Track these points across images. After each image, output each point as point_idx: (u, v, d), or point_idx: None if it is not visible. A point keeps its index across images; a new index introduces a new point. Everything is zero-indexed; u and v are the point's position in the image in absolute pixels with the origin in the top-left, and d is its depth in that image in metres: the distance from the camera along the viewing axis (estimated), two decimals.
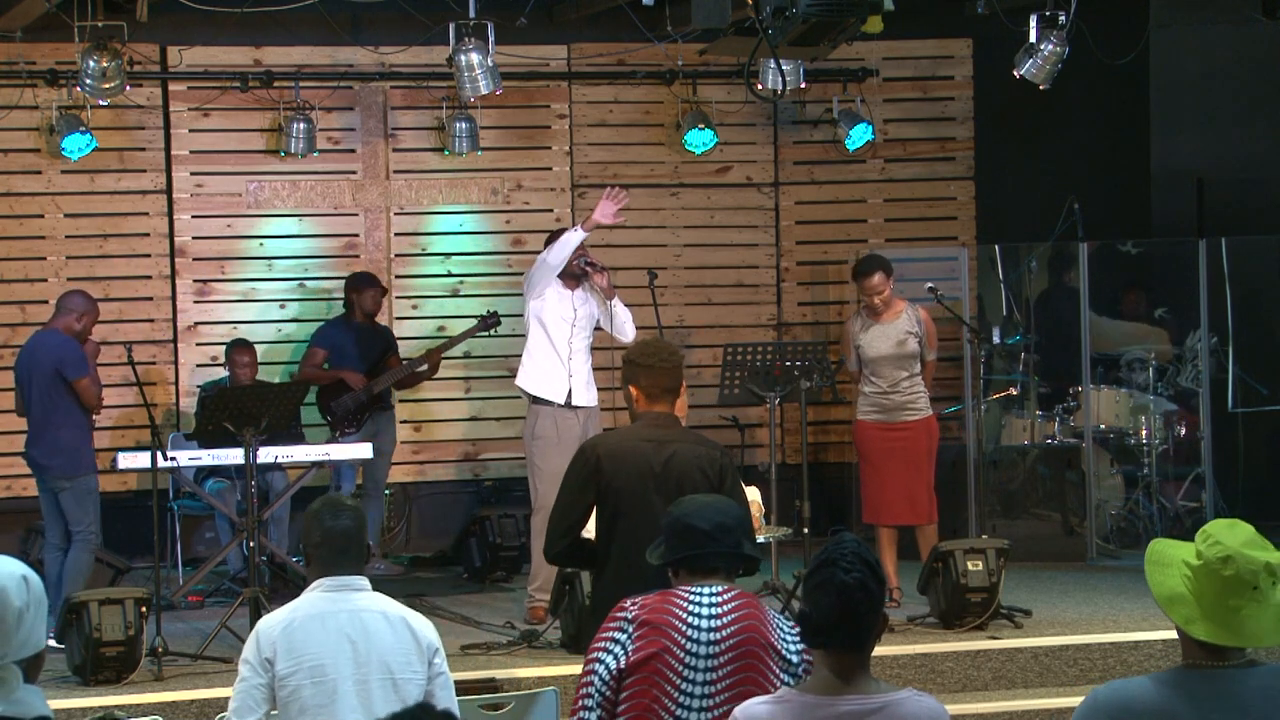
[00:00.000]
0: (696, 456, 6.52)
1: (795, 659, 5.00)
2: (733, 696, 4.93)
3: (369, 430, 11.84)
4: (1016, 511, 12.92)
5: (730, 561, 5.18)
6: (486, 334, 12.01)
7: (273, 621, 5.47)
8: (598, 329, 10.38)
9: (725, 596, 5.05)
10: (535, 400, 10.23)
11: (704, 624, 5.00)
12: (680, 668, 4.98)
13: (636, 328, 10.29)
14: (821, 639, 4.15)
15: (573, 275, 10.22)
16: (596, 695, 5.00)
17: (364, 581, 5.53)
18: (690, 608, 5.03)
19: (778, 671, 4.99)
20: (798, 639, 5.02)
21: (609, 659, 5.01)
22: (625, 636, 5.02)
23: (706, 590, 5.06)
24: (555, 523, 6.63)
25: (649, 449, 6.51)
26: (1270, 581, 3.74)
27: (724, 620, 5.01)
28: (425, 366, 12.02)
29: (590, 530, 6.69)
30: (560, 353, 10.18)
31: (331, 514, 5.53)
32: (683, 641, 4.98)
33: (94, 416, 10.33)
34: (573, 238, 10.06)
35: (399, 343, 12.18)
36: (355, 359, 11.83)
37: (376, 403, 11.94)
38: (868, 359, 10.46)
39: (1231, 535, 3.78)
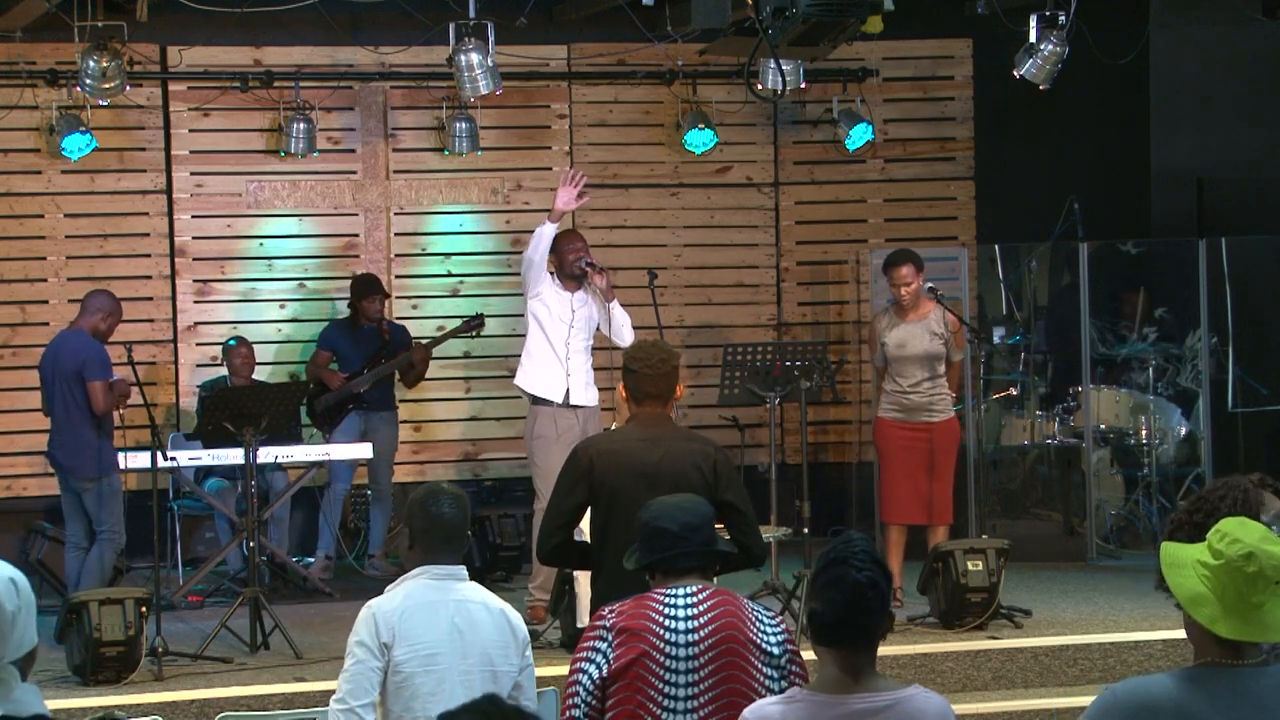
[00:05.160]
0: (690, 453, 6.49)
1: (778, 650, 5.01)
2: (717, 695, 4.97)
3: (359, 430, 11.79)
4: (1016, 511, 12.91)
5: (704, 559, 5.18)
6: (470, 335, 11.96)
7: (389, 606, 5.44)
8: (599, 330, 10.38)
9: (701, 596, 5.06)
10: (535, 400, 10.24)
11: (681, 625, 5.01)
12: (662, 671, 5.00)
13: (636, 328, 10.27)
14: (832, 637, 4.17)
15: (572, 276, 10.20)
16: (582, 705, 5.03)
17: (464, 571, 5.54)
18: (666, 610, 5.04)
19: (760, 666, 5.00)
20: (780, 631, 5.05)
21: (591, 668, 5.03)
22: (605, 645, 5.04)
23: (681, 591, 5.07)
24: (545, 522, 6.63)
25: (642, 448, 6.49)
26: None
27: (701, 620, 5.02)
28: (409, 362, 11.95)
29: (586, 533, 6.69)
30: (558, 353, 10.18)
31: (438, 501, 5.55)
32: (661, 645, 5.00)
33: (114, 414, 10.16)
34: (545, 230, 10.05)
35: None
36: (354, 361, 11.83)
37: (357, 402, 11.88)
38: (892, 357, 10.43)
39: (1248, 532, 3.78)
